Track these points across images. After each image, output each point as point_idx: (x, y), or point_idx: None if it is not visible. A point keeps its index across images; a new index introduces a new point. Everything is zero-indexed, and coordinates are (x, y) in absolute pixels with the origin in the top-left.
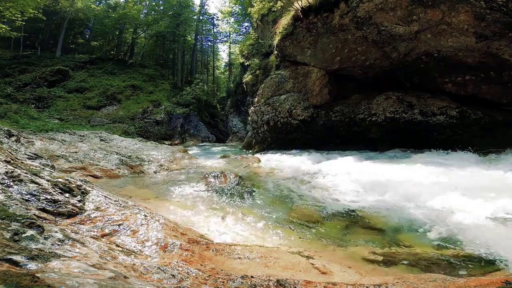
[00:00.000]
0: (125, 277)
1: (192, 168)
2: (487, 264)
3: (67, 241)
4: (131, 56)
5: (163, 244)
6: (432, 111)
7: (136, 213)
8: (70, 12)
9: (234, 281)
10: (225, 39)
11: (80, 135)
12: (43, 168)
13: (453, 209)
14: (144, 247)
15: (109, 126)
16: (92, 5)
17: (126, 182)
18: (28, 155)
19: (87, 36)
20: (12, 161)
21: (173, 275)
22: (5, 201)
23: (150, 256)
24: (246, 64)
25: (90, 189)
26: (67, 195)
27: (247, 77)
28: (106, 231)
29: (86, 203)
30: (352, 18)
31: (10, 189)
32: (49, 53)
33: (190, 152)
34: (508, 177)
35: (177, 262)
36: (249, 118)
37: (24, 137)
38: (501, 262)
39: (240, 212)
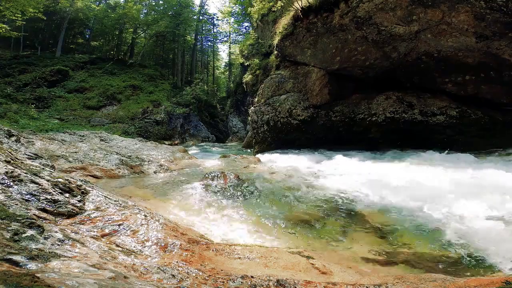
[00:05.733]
0: (125, 277)
1: (192, 168)
2: (487, 265)
3: (67, 241)
4: (131, 56)
5: (163, 244)
6: (432, 111)
7: (136, 213)
8: (70, 12)
9: (234, 281)
10: (225, 39)
11: (80, 135)
12: (43, 168)
13: (453, 210)
14: (144, 247)
15: (109, 126)
16: (92, 5)
17: (126, 182)
18: (28, 155)
19: (87, 36)
20: (12, 161)
21: (173, 275)
22: (5, 201)
23: (150, 256)
24: (246, 64)
25: (90, 189)
26: (67, 195)
27: (247, 77)
28: (106, 231)
29: (86, 203)
30: (352, 18)
31: (10, 189)
32: (49, 53)
33: (190, 152)
34: (508, 178)
35: (177, 262)
36: (249, 118)
37: (24, 137)
38: (501, 262)
39: (240, 212)
